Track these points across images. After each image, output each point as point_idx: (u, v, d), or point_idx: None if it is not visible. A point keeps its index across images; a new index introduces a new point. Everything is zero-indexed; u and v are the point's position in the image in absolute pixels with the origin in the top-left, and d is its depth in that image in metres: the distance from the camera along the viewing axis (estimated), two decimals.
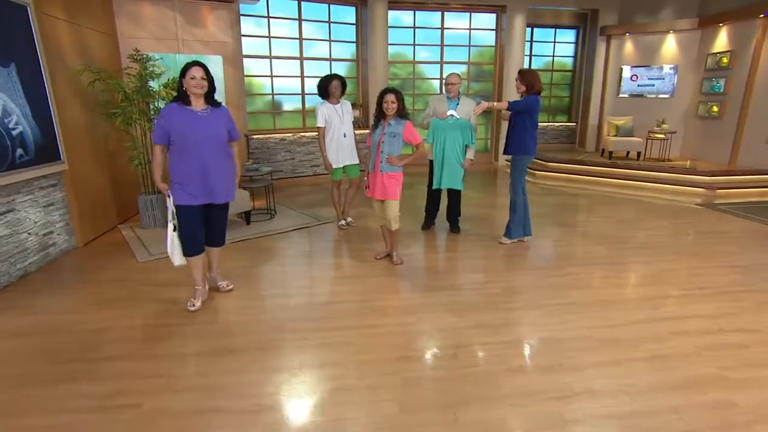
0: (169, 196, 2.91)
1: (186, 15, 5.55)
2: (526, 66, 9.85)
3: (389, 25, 8.51)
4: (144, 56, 4.64)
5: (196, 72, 2.82)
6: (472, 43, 9.23)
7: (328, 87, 4.53)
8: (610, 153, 8.10)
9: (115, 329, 2.74)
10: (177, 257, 2.99)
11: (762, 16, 6.94)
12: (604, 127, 8.61)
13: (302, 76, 8.14)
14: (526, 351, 2.50)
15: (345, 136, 4.56)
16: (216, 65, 5.78)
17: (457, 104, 4.36)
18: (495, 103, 4.16)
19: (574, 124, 10.36)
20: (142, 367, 2.35)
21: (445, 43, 9.10)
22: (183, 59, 5.53)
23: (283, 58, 7.91)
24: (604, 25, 8.93)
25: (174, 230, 2.94)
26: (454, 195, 4.63)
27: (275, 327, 2.78)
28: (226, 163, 3.00)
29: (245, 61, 7.54)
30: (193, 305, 2.98)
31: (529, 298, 3.15)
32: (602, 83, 9.23)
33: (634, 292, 3.25)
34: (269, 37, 7.73)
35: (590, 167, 7.49)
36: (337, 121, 4.54)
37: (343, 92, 4.63)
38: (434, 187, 4.49)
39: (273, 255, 4.07)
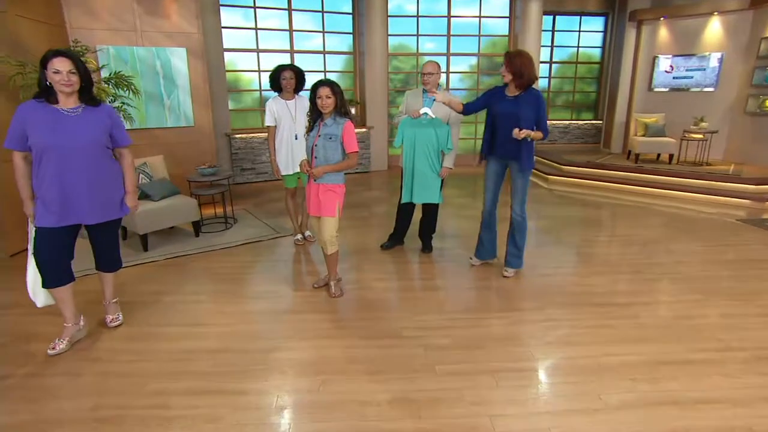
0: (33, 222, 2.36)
1: (145, 4, 5.05)
2: (543, 58, 8.87)
3: (389, 14, 7.81)
4: (81, 48, 4.15)
5: (61, 65, 2.22)
6: (482, 33, 8.35)
7: (278, 79, 3.87)
8: (637, 155, 7.02)
9: None
10: (41, 296, 2.42)
11: None
12: (632, 125, 7.52)
13: None
14: None
15: (297, 138, 3.88)
16: (179, 58, 5.26)
17: (434, 100, 3.59)
18: (532, 133, 2.99)
19: (601, 122, 9.25)
20: None
21: (452, 33, 8.27)
22: (142, 53, 5.06)
23: (271, 51, 7.35)
24: (634, 10, 7.80)
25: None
26: (430, 208, 3.87)
27: (138, 385, 2.15)
28: (101, 176, 2.41)
29: (231, 55, 7.06)
30: (54, 349, 2.41)
31: (482, 356, 2.36)
32: (631, 76, 8.09)
33: (632, 352, 2.39)
34: (256, 29, 7.18)
35: (611, 172, 6.48)
36: (288, 120, 3.87)
37: (299, 86, 3.95)
38: (403, 200, 3.75)
39: (199, 277, 3.46)
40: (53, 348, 2.41)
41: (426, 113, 3.53)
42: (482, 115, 3.35)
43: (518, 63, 3.01)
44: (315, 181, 2.94)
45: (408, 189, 3.70)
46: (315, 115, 2.97)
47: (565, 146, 9.29)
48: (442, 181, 3.68)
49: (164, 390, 2.10)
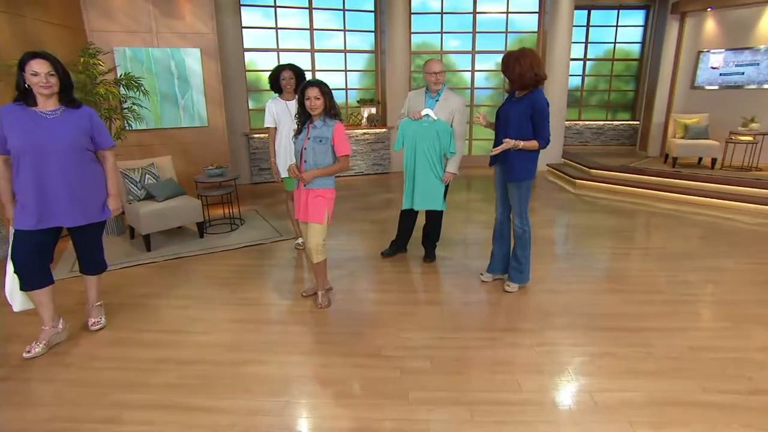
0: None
1: (161, 6, 5.10)
2: (577, 55, 8.38)
3: (413, 11, 7.61)
4: (93, 50, 4.22)
5: (39, 66, 2.21)
6: (509, 30, 7.98)
7: (278, 79, 3.78)
8: (674, 159, 6.47)
9: None
10: (17, 300, 2.42)
11: None
12: (670, 126, 6.95)
13: (313, 70, 7.50)
14: None
15: None
16: (194, 59, 5.29)
17: (437, 101, 3.38)
18: (521, 143, 2.80)
19: (638, 122, 8.66)
20: None
21: (477, 30, 7.95)
22: (157, 54, 5.12)
23: (291, 50, 7.32)
24: (677, 1, 7.20)
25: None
26: (433, 215, 3.66)
27: (100, 395, 2.09)
28: (82, 178, 2.40)
29: (252, 54, 7.09)
30: (29, 352, 2.40)
31: (462, 384, 2.15)
32: (672, 73, 7.48)
33: (636, 388, 2.10)
34: (276, 28, 7.17)
35: (644, 176, 6.00)
36: (288, 121, 3.77)
37: (299, 86, 3.84)
38: (404, 207, 3.56)
39: (193, 280, 3.42)
40: (29, 351, 2.40)
41: (428, 115, 3.33)
42: None
43: (515, 68, 2.77)
44: (305, 186, 2.81)
45: (409, 195, 3.51)
46: (304, 117, 2.84)
47: (598, 148, 8.79)
48: (446, 187, 3.46)
49: (123, 402, 2.03)
